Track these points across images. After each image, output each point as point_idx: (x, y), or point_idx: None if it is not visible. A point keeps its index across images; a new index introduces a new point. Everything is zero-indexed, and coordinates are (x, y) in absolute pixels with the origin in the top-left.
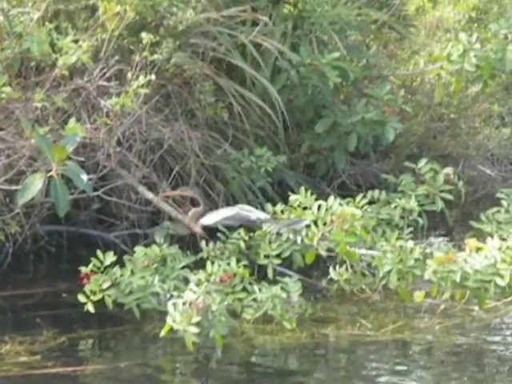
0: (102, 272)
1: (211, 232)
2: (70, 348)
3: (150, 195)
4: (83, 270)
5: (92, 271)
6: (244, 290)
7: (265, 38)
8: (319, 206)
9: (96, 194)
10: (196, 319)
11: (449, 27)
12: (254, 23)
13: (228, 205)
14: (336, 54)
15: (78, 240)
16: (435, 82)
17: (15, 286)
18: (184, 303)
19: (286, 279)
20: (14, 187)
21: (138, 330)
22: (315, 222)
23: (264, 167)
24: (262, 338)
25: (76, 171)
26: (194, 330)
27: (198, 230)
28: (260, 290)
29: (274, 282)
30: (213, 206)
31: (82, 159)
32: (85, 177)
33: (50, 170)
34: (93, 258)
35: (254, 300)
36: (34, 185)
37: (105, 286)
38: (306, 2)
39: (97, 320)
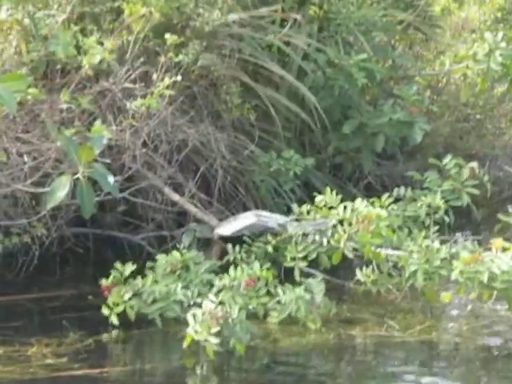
0: (124, 282)
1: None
2: (96, 350)
3: (176, 197)
4: (104, 282)
5: (113, 283)
6: (268, 293)
7: (291, 38)
8: (345, 207)
9: (122, 195)
10: (215, 329)
11: (474, 28)
12: (281, 24)
13: (256, 206)
14: (363, 55)
15: (104, 242)
16: (461, 82)
17: (42, 289)
18: (203, 313)
19: (310, 280)
20: (40, 190)
21: (164, 332)
22: (341, 223)
23: (292, 170)
24: (287, 339)
25: (103, 173)
26: (214, 340)
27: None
28: (284, 292)
29: (300, 284)
30: (239, 207)
31: (108, 161)
32: (112, 179)
33: (76, 172)
34: (112, 271)
35: (278, 303)
36: (62, 188)
37: (126, 296)
38: (332, 3)
39: (122, 322)
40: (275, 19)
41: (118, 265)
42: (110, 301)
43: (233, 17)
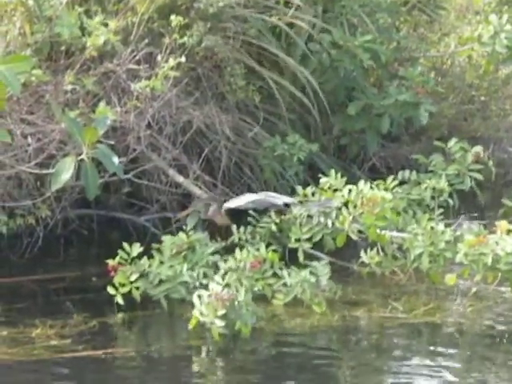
0: (130, 263)
1: (240, 217)
2: (100, 331)
3: (180, 178)
4: (110, 262)
5: (119, 263)
6: (274, 275)
7: (296, 19)
8: (350, 190)
9: (126, 176)
10: (222, 312)
11: (479, 9)
12: (286, 6)
13: (260, 188)
14: (368, 37)
15: (109, 224)
16: (465, 64)
17: (46, 270)
18: (209, 295)
19: (315, 263)
20: (44, 171)
21: (168, 314)
22: (346, 205)
23: (296, 155)
24: (292, 320)
25: (107, 154)
26: (221, 323)
27: (221, 220)
28: (289, 274)
29: (305, 266)
30: (244, 189)
31: (112, 142)
32: (116, 160)
33: (80, 154)
34: (120, 251)
35: (284, 285)
36: (66, 170)
37: (133, 277)
38: None
39: (127, 303)
40: (279, 0)
41: (125, 245)
42: (115, 281)
43: None
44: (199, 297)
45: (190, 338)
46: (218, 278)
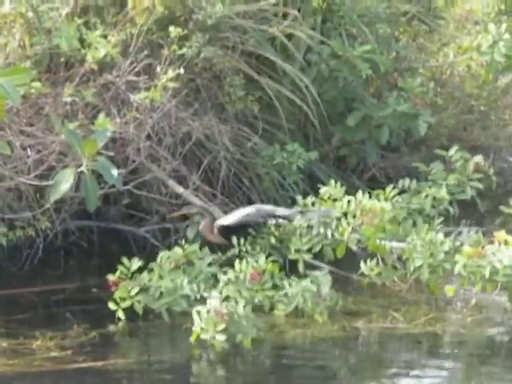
0: (130, 277)
1: (239, 231)
2: (101, 343)
3: (180, 189)
4: (110, 278)
5: (120, 278)
6: (274, 286)
7: (295, 30)
8: (349, 201)
9: (126, 188)
10: (221, 326)
11: (478, 19)
12: (284, 17)
13: (260, 198)
14: (367, 47)
15: (109, 235)
16: (464, 74)
17: (46, 282)
18: (208, 311)
19: (316, 272)
20: (44, 183)
21: (169, 325)
22: (345, 215)
23: (295, 164)
24: (293, 331)
25: (107, 166)
26: (221, 337)
27: (213, 238)
28: (290, 284)
29: (305, 276)
30: (243, 199)
31: (112, 154)
32: (115, 172)
33: (80, 165)
34: (119, 266)
35: (285, 295)
36: (65, 181)
37: (133, 292)
38: None
39: (127, 314)
40: (277, 11)
41: (124, 260)
42: (116, 296)
43: (235, 9)
44: (198, 312)
45: (190, 349)
46: (215, 292)
